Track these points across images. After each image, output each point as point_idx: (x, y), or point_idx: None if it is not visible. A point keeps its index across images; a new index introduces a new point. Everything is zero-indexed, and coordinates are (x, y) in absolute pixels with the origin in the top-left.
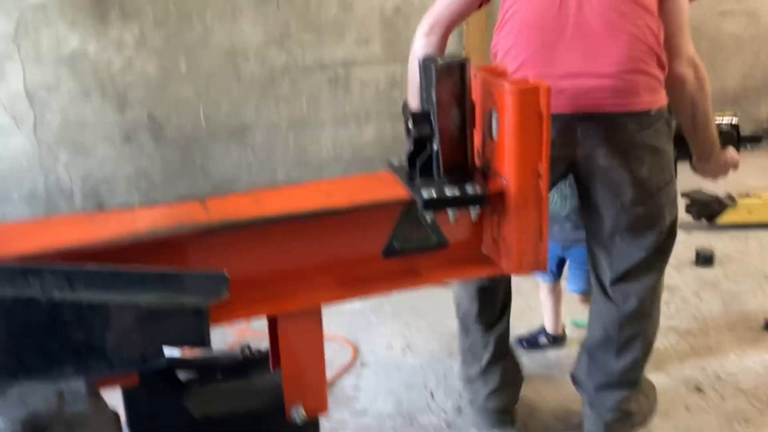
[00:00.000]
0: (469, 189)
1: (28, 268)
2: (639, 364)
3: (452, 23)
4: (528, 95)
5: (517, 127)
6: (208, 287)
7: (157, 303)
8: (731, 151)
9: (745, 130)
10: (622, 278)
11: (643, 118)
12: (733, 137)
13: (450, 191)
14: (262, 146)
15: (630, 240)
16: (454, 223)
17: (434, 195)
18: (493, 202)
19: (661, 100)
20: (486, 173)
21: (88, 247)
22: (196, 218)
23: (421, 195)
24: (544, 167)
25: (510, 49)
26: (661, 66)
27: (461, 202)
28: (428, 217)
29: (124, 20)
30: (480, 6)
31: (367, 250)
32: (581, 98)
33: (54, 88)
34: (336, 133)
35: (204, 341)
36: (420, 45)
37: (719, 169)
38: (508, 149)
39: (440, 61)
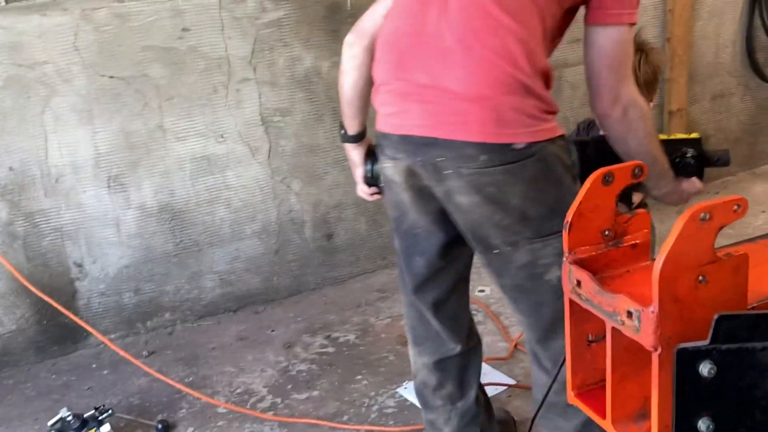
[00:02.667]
0: None
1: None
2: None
3: (377, 33)
4: None
5: None
6: None
7: None
8: (692, 182)
9: None
10: (540, 340)
11: (501, 151)
12: (694, 169)
13: None
14: None
15: (522, 298)
16: None
17: None
18: None
19: (535, 135)
20: None
21: None
22: None
23: None
24: None
25: (376, 64)
26: (533, 94)
27: None
28: None
29: None
30: None
31: None
32: (428, 120)
33: (288, 112)
34: None
35: None
36: (344, 57)
37: (675, 200)
38: None
39: None
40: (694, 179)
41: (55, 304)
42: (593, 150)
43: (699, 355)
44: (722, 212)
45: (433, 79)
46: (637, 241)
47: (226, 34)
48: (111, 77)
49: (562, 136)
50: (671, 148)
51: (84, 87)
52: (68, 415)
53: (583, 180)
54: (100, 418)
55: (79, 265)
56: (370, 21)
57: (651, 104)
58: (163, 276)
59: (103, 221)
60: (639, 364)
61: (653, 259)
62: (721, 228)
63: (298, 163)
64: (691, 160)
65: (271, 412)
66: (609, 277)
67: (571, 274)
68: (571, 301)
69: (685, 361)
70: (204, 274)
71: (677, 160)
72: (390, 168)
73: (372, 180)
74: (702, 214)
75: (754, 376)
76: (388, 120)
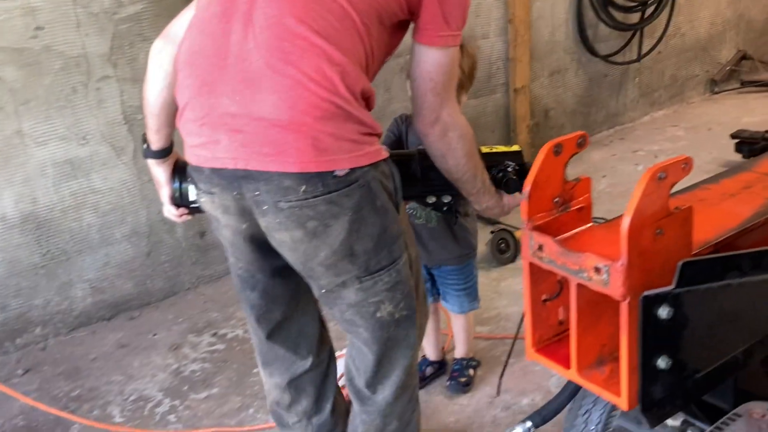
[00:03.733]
0: None
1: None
2: None
3: None
4: None
5: None
6: None
7: None
8: (514, 197)
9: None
10: (369, 381)
11: (322, 180)
12: (516, 183)
13: None
14: None
15: (353, 332)
16: None
17: None
18: None
19: (357, 160)
20: None
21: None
22: None
23: None
24: None
25: (177, 85)
26: (352, 119)
27: None
28: None
29: None
30: None
31: None
32: (240, 151)
33: None
34: None
35: None
36: (150, 64)
37: (497, 213)
38: None
39: None
40: (516, 194)
41: None
42: (418, 164)
43: (659, 300)
44: (675, 170)
45: (243, 105)
46: (582, 205)
47: (82, 31)
48: None
49: (385, 160)
50: (493, 161)
51: None
52: None
53: (407, 198)
54: None
55: None
56: (180, 27)
57: (467, 94)
58: (30, 290)
59: None
60: (596, 316)
61: (595, 221)
62: (673, 185)
63: None
64: (513, 174)
65: (172, 416)
66: (564, 239)
67: (531, 240)
68: (531, 265)
69: (648, 307)
70: (74, 284)
71: (500, 174)
72: (207, 203)
73: (180, 200)
74: (659, 173)
75: (709, 315)
76: (197, 151)
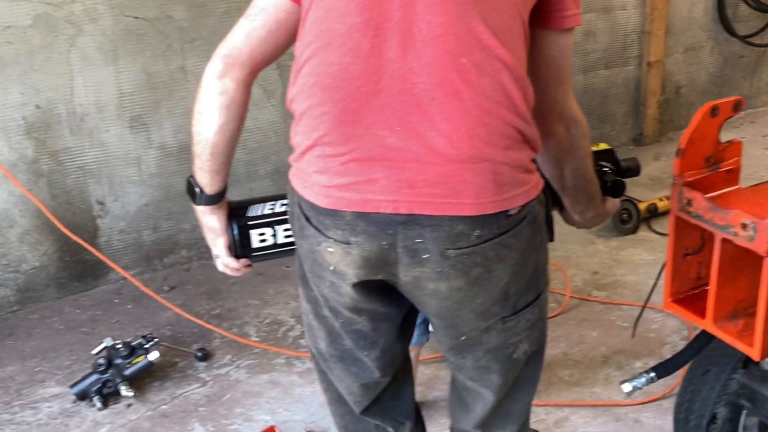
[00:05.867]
0: None
1: None
2: None
3: (258, 62)
4: None
5: None
6: None
7: None
8: (613, 202)
9: None
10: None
11: (496, 221)
12: (623, 187)
13: None
14: None
15: (479, 377)
16: None
17: None
18: None
19: (529, 193)
20: None
21: None
22: None
23: None
24: None
25: (304, 114)
26: (528, 142)
27: None
28: None
29: None
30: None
31: None
32: (402, 192)
33: None
34: None
35: None
36: (208, 92)
37: (597, 222)
38: None
39: None
40: (615, 199)
41: (79, 241)
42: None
43: None
44: None
45: (406, 137)
46: (731, 167)
47: None
48: (136, 18)
49: (543, 188)
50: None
51: (110, 27)
52: (117, 343)
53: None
54: (146, 345)
55: (101, 203)
56: (246, 44)
57: None
58: (180, 215)
59: (125, 160)
60: (736, 271)
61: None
62: None
63: None
64: (614, 176)
65: (302, 340)
66: (712, 197)
67: (681, 195)
68: (677, 219)
69: None
70: None
71: (602, 177)
72: (336, 255)
73: (241, 249)
74: None
75: None
76: (337, 193)
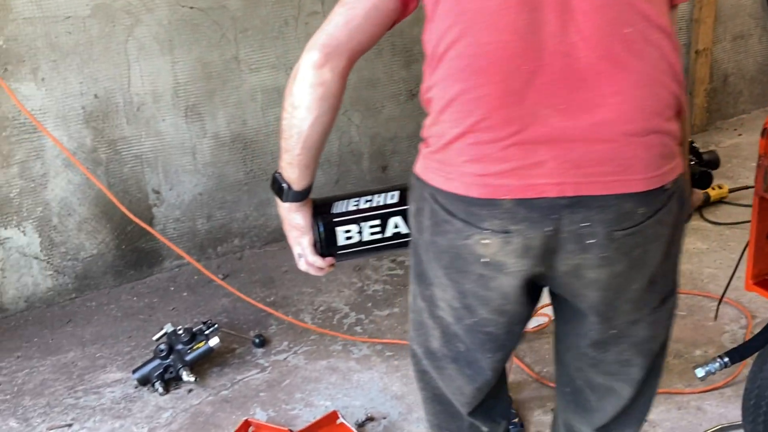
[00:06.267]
0: None
1: None
2: None
3: (356, 51)
4: None
5: None
6: None
7: None
8: (697, 193)
9: None
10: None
11: (656, 197)
12: (708, 180)
13: None
14: None
15: (614, 373)
16: None
17: None
18: None
19: (679, 166)
20: None
21: None
22: None
23: None
24: None
25: (453, 101)
26: (680, 115)
27: None
28: None
29: None
30: (393, 24)
31: None
32: (569, 173)
33: None
34: None
35: None
36: (305, 84)
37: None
38: None
39: None
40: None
41: (145, 226)
42: None
43: None
44: None
45: (572, 115)
46: None
47: None
48: (191, 8)
49: None
50: None
51: (166, 17)
52: (179, 329)
53: None
54: (207, 332)
55: (157, 192)
56: (345, 32)
57: None
58: (233, 203)
59: (180, 149)
60: None
61: None
62: None
63: (358, 97)
64: (698, 167)
65: (358, 327)
66: None
67: (767, 175)
68: (761, 200)
69: None
70: (271, 203)
71: (690, 170)
72: (493, 246)
73: (326, 247)
74: None
75: None
76: (494, 180)
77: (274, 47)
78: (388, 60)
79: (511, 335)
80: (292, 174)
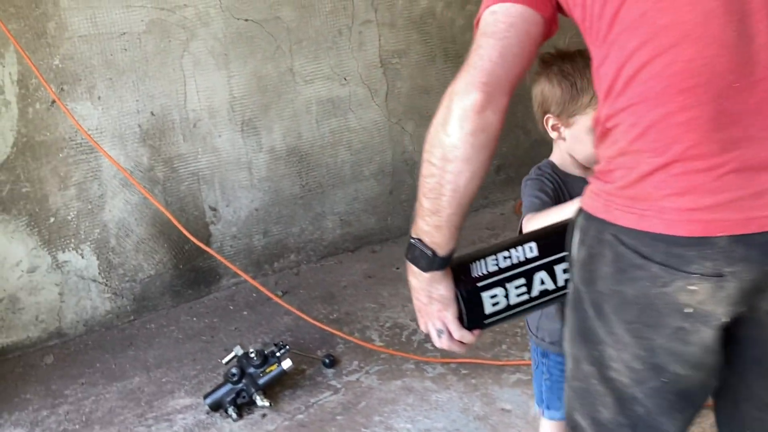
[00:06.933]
0: None
1: None
2: None
3: (514, 87)
4: None
5: None
6: None
7: None
8: None
9: None
10: None
11: None
12: None
13: None
14: None
15: None
16: None
17: None
18: None
19: None
20: None
21: None
22: None
23: None
24: None
25: (651, 127)
26: None
27: None
28: None
29: None
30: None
31: None
32: None
33: (404, 53)
34: None
35: None
36: (469, 129)
37: None
38: None
39: None
40: None
41: (203, 246)
42: None
43: None
44: None
45: None
46: None
47: None
48: (246, 20)
49: None
50: None
51: (221, 30)
52: (250, 351)
53: None
54: (278, 354)
55: (214, 209)
56: (502, 66)
57: None
58: (289, 218)
59: (236, 165)
60: None
61: None
62: None
63: (412, 105)
64: None
65: (429, 344)
66: None
67: None
68: None
69: None
70: (326, 215)
71: None
72: (700, 293)
73: (472, 320)
74: None
75: None
76: (710, 215)
77: (328, 57)
78: (441, 67)
79: (704, 390)
80: (441, 238)
